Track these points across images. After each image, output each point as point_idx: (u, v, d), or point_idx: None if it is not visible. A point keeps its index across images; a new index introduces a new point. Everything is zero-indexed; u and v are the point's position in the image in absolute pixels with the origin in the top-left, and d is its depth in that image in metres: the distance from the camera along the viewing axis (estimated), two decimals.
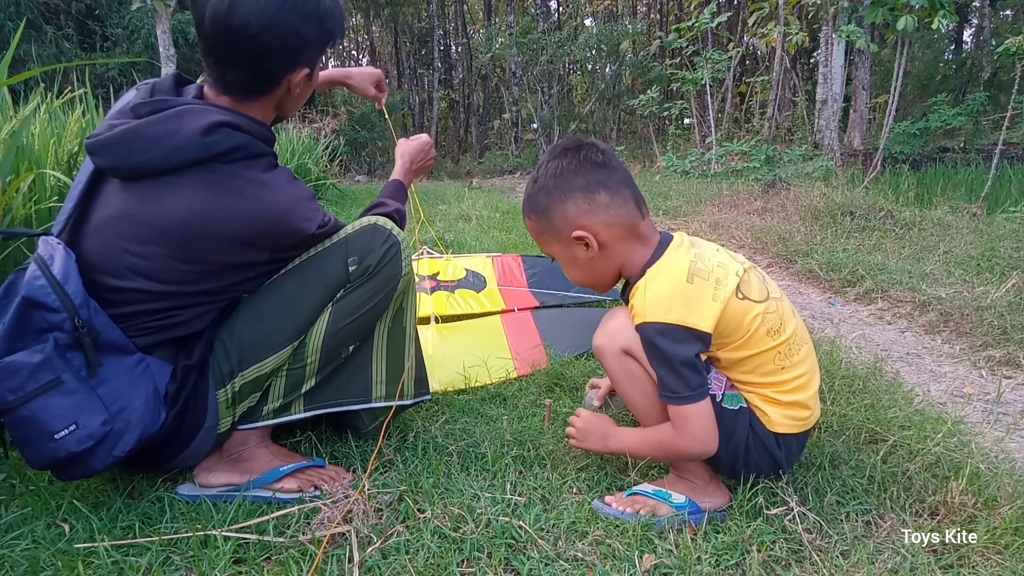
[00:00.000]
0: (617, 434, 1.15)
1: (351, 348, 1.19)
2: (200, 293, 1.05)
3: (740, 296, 1.02)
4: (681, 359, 0.98)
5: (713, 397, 1.04)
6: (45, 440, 0.94)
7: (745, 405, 1.06)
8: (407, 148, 1.48)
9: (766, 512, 1.07)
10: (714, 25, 7.37)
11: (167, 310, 1.04)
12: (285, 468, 1.16)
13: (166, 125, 0.97)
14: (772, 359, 1.03)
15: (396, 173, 1.44)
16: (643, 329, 1.01)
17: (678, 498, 1.08)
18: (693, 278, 1.01)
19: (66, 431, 0.94)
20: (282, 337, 1.10)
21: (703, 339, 0.99)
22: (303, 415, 1.19)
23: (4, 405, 0.93)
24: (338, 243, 1.13)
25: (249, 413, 1.15)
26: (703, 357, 1.03)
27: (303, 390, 1.17)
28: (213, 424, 1.10)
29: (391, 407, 1.25)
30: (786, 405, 1.05)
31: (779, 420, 1.04)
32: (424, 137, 1.51)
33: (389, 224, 1.16)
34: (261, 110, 1.08)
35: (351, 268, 1.12)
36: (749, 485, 1.10)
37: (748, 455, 1.06)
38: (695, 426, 1.00)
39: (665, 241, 1.09)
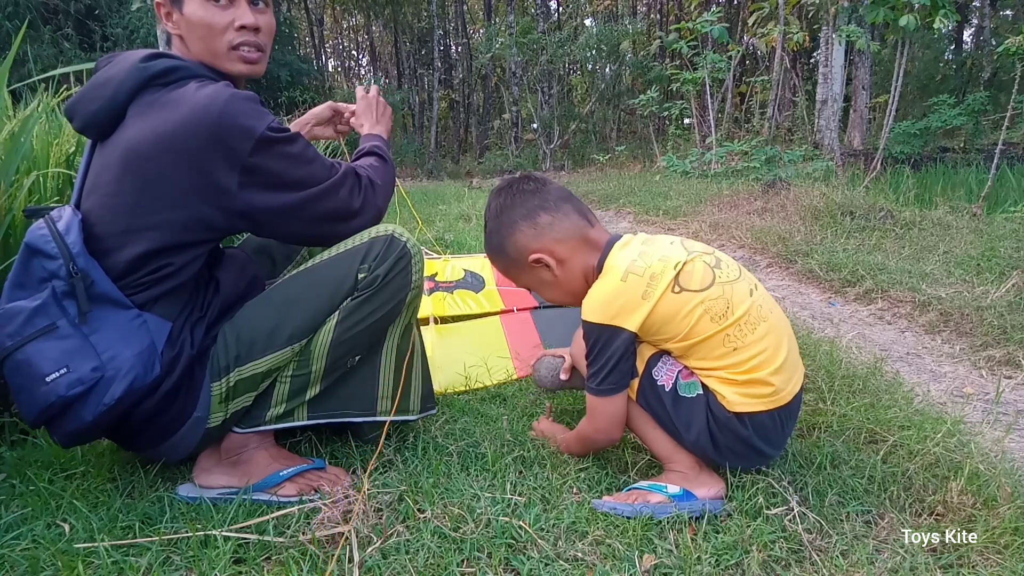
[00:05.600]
0: (563, 434, 1.31)
1: (357, 358, 1.19)
2: (184, 226, 1.03)
3: (677, 290, 1.06)
4: (606, 356, 1.08)
5: (662, 388, 1.10)
6: (37, 384, 0.96)
7: (702, 392, 1.09)
8: (361, 112, 1.40)
9: (766, 512, 1.07)
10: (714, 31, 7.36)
11: (156, 253, 1.03)
12: (285, 472, 1.16)
13: (112, 70, 1.08)
14: (721, 342, 1.06)
15: (366, 131, 1.37)
16: (582, 325, 1.11)
17: (673, 488, 1.10)
18: (628, 276, 1.07)
19: (57, 374, 0.96)
20: (281, 338, 1.10)
21: (628, 337, 1.08)
22: (306, 423, 1.18)
23: (2, 351, 0.97)
24: (352, 250, 1.13)
25: (250, 416, 1.15)
26: (655, 350, 1.12)
27: (307, 397, 1.16)
28: (203, 416, 1.09)
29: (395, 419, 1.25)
30: (744, 384, 1.06)
31: (737, 400, 1.07)
32: (360, 93, 1.42)
33: (405, 236, 1.16)
34: (183, 50, 1.13)
35: (360, 276, 1.12)
36: (749, 484, 1.10)
37: (715, 440, 1.08)
38: (598, 414, 1.14)
39: (610, 243, 1.15)
